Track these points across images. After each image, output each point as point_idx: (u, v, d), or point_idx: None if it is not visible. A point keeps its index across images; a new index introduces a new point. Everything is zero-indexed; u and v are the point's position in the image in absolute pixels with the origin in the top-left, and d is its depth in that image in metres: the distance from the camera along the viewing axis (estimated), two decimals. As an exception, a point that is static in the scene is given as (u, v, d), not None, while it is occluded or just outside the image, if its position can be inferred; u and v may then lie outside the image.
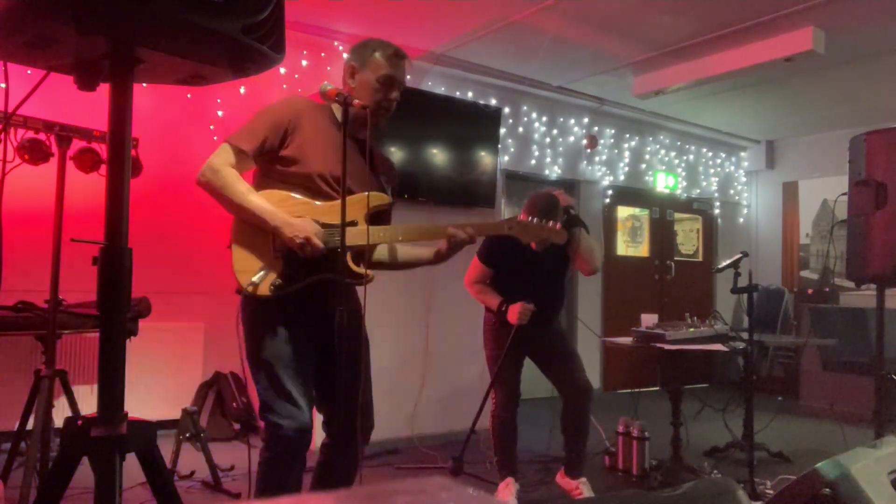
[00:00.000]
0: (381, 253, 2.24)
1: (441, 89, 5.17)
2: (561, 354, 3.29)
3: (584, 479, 3.29)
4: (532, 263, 3.21)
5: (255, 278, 1.94)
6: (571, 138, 6.36)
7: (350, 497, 0.51)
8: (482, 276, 3.34)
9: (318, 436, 2.11)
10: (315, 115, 2.08)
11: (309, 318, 2.01)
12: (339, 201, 1.93)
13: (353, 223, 2.00)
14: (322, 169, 2.01)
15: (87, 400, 3.73)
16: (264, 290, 1.95)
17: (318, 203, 2.01)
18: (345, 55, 2.21)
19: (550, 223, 2.14)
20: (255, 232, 1.97)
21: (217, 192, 1.94)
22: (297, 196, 2.01)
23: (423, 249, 2.25)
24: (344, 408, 1.98)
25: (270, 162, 2.02)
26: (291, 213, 1.97)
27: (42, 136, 2.75)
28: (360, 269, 2.01)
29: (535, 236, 2.14)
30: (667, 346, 3.49)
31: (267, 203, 1.95)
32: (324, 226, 1.97)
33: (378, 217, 2.13)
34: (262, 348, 1.98)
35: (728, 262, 3.48)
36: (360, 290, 2.03)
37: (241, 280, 1.95)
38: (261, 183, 2.04)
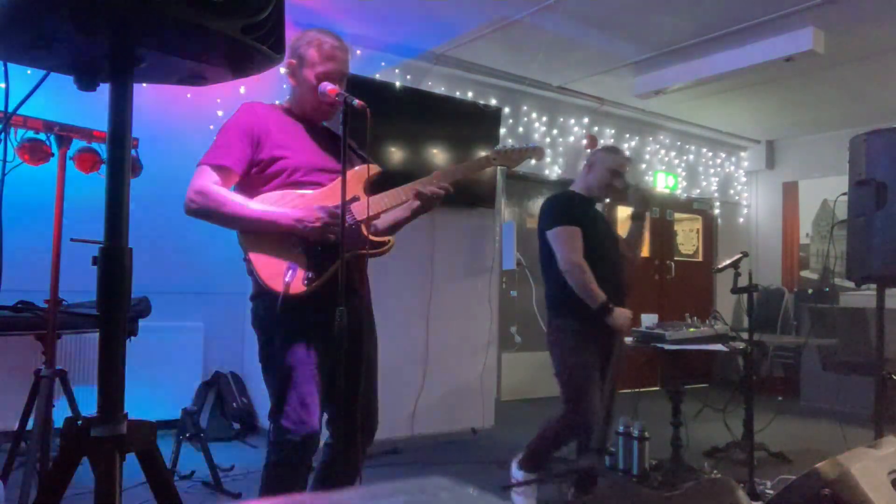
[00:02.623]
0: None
1: (441, 89, 5.17)
2: (616, 363, 3.04)
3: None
4: (602, 234, 3.00)
5: (286, 279, 1.90)
6: (571, 138, 6.36)
7: (350, 497, 0.51)
8: (581, 245, 2.88)
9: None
10: (274, 114, 2.08)
11: (322, 313, 1.93)
12: (332, 185, 2.00)
13: (355, 198, 2.02)
14: (304, 161, 2.02)
15: (87, 400, 3.73)
16: (298, 287, 1.91)
17: (313, 192, 2.00)
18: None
19: (527, 145, 2.29)
20: (269, 238, 1.94)
21: (214, 213, 1.90)
22: (291, 192, 1.99)
23: (399, 211, 2.20)
24: (347, 407, 1.97)
25: (250, 170, 1.99)
26: (293, 207, 1.96)
27: (42, 136, 2.75)
28: (381, 238, 2.06)
29: (518, 160, 2.28)
30: (667, 346, 3.49)
31: (269, 206, 1.94)
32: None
33: (375, 188, 2.13)
34: (280, 351, 1.95)
35: (728, 262, 3.48)
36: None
37: (273, 285, 1.90)
38: (246, 193, 2.00)
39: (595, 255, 2.89)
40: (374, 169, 2.11)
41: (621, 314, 2.87)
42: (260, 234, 1.94)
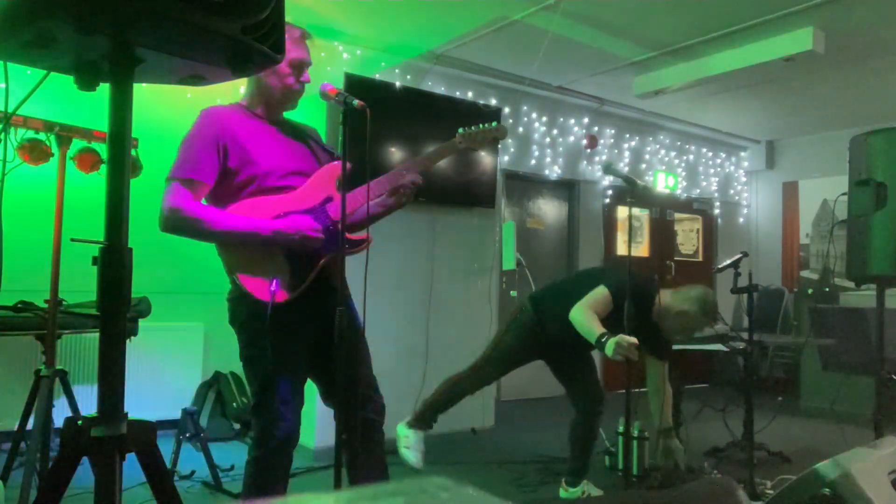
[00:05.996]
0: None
1: (441, 89, 5.17)
2: (580, 358, 3.19)
3: (586, 481, 3.27)
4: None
5: (272, 288, 1.93)
6: (571, 138, 6.36)
7: (350, 497, 0.51)
8: (602, 309, 2.97)
9: (318, 435, 2.11)
10: (236, 116, 2.05)
11: (306, 314, 2.01)
12: (304, 187, 2.02)
13: (329, 199, 2.03)
14: (274, 165, 2.01)
15: (87, 400, 3.73)
16: (283, 295, 1.95)
17: (286, 196, 2.01)
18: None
19: (490, 125, 2.25)
20: (248, 249, 1.96)
21: (191, 229, 1.91)
22: (264, 198, 1.99)
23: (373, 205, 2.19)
24: (345, 398, 1.99)
25: (221, 179, 1.97)
26: (270, 214, 1.97)
27: (42, 136, 2.75)
28: (359, 236, 2.04)
29: (482, 141, 2.25)
30: (667, 346, 3.48)
31: (247, 218, 1.94)
32: (305, 212, 2.00)
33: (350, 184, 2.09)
34: (263, 354, 1.97)
35: (728, 262, 3.48)
36: (360, 284, 1.99)
37: (260, 296, 1.93)
38: (218, 203, 1.99)
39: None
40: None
41: (613, 344, 2.74)
42: (240, 247, 1.95)
